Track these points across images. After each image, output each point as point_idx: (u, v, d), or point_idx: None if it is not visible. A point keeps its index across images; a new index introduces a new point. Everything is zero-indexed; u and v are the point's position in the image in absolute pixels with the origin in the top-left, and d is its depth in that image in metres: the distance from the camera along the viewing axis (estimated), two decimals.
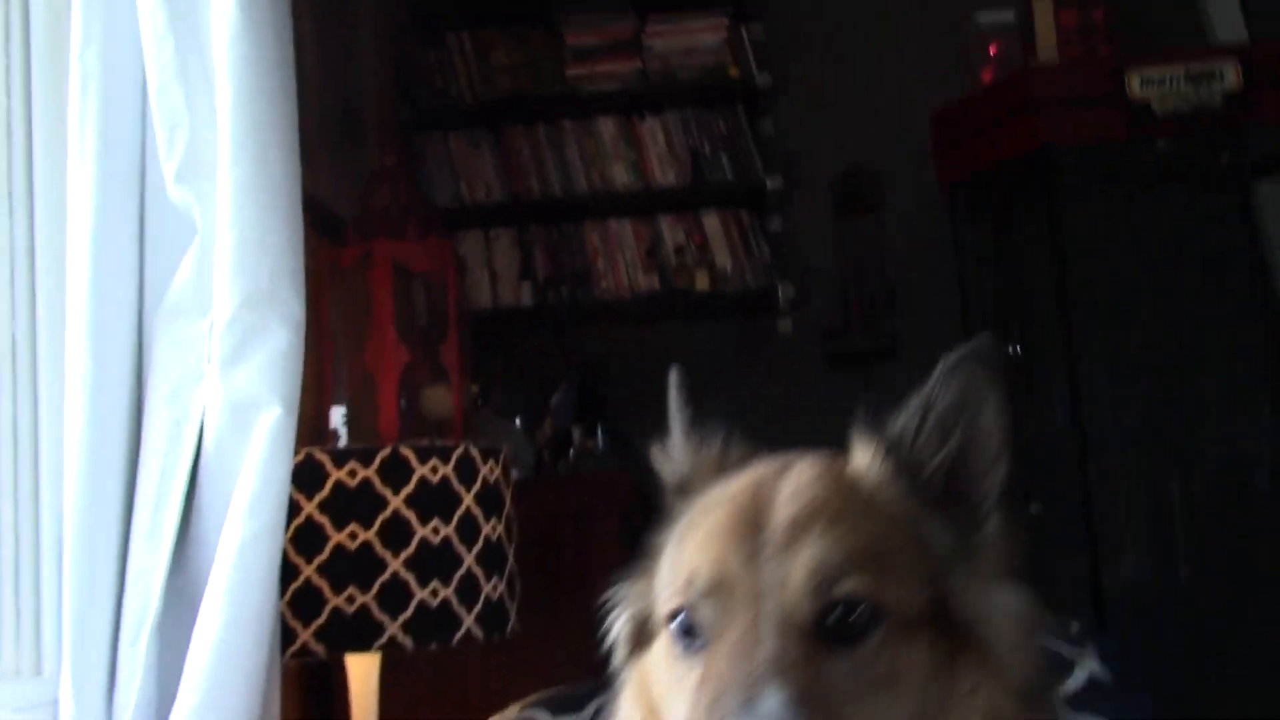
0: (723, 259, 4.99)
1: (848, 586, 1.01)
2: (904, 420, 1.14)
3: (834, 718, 0.96)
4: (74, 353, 1.95)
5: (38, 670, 2.19)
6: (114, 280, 1.98)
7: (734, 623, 1.03)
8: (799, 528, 1.06)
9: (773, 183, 5.01)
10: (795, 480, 1.14)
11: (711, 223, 5.03)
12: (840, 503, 1.09)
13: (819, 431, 1.34)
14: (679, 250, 5.01)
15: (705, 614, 1.07)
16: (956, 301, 5.15)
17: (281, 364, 1.86)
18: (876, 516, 1.09)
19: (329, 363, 3.47)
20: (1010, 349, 4.92)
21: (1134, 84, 4.41)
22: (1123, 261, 4.86)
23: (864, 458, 1.16)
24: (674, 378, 1.29)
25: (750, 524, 1.09)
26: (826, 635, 1.00)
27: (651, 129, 5.08)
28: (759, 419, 1.31)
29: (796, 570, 1.03)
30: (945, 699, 1.02)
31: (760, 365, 5.06)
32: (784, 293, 4.98)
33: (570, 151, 5.07)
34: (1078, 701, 2.06)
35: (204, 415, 1.89)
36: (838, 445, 1.23)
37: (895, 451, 1.13)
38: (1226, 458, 4.80)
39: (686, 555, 1.12)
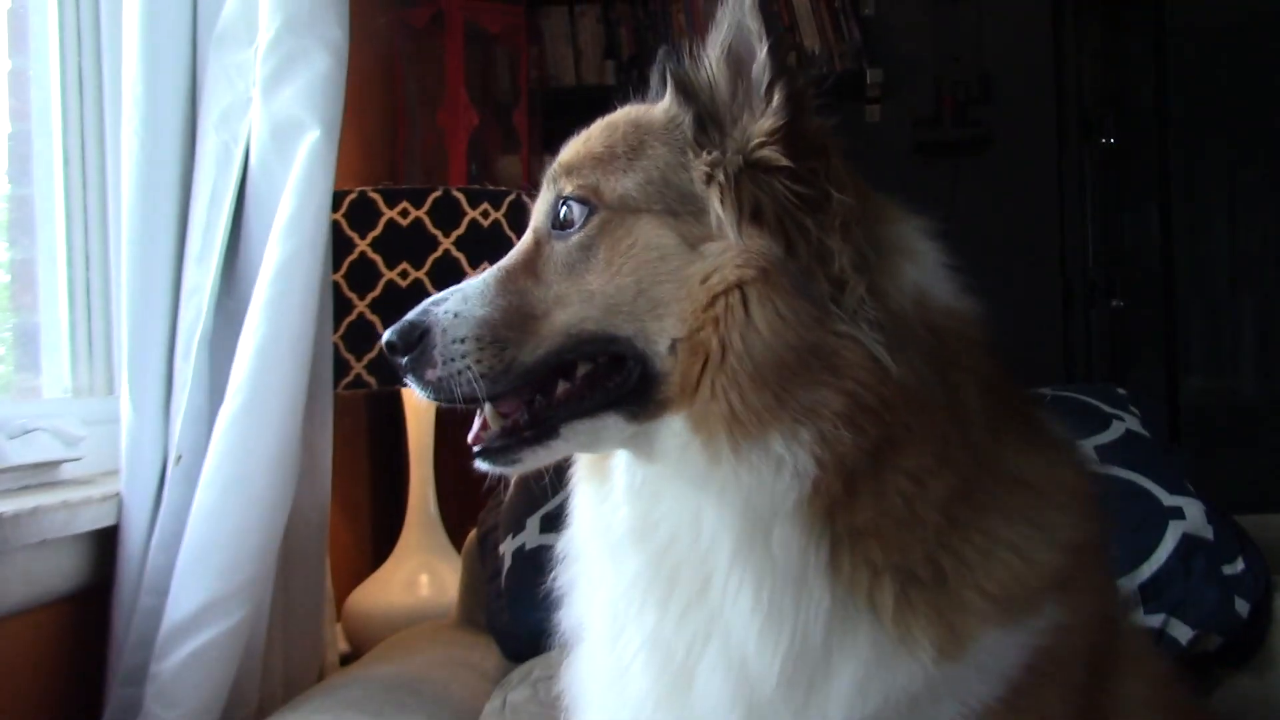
0: (811, 41, 4.84)
1: (566, 187, 1.22)
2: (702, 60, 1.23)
3: (543, 281, 1.20)
4: (129, 81, 1.99)
5: (110, 389, 2.32)
6: (167, 7, 2.00)
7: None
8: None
9: None
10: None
11: (801, 2, 4.86)
12: (608, 126, 1.26)
13: None
14: None
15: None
16: (1053, 94, 4.97)
17: (322, 87, 1.88)
18: (629, 129, 1.23)
19: (403, 126, 3.50)
20: (1104, 141, 4.76)
21: None
22: (1231, 67, 4.62)
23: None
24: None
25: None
26: (557, 227, 1.23)
27: None
28: None
29: (547, 173, 1.27)
30: (684, 280, 1.15)
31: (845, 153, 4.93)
32: (873, 78, 4.82)
33: None
34: (1108, 452, 2.07)
35: (249, 138, 1.93)
36: None
37: (678, 76, 1.23)
38: None
39: None
